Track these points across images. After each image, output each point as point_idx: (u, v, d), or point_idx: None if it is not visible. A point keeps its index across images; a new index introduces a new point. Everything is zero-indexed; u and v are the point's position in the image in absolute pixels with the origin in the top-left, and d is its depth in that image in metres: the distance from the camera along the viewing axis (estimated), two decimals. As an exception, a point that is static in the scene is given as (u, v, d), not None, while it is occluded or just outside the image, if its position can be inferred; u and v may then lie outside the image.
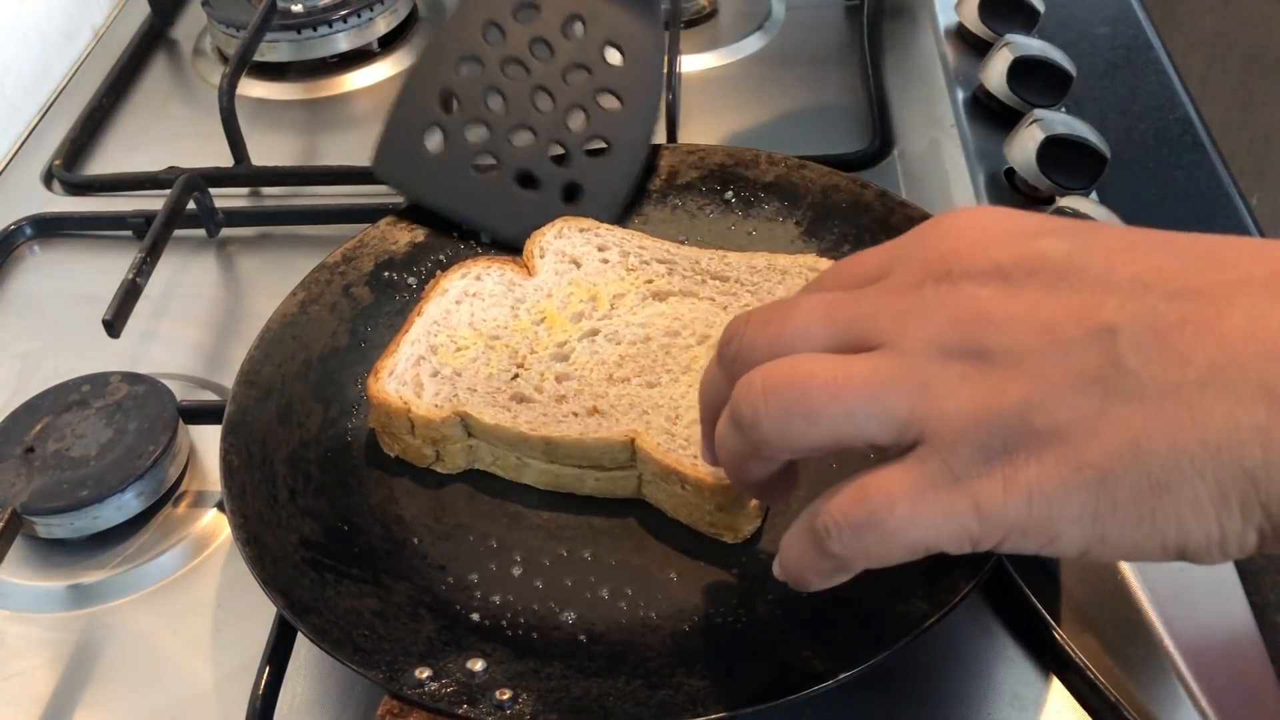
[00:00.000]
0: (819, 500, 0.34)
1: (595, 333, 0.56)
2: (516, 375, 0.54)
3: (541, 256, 0.60)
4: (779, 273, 0.57)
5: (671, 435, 0.50)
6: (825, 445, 0.34)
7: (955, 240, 0.34)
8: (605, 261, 0.60)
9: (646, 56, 0.63)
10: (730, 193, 0.64)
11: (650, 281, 0.58)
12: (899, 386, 0.32)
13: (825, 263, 0.57)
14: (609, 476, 0.51)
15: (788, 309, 0.36)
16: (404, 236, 0.62)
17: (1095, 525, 0.30)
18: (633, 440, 0.50)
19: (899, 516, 0.32)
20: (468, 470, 0.54)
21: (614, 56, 0.63)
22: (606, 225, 0.61)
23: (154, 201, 0.71)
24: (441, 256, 0.62)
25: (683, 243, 0.61)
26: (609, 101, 0.63)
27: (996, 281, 0.32)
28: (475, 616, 0.47)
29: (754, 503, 0.48)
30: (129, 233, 0.73)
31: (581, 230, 0.61)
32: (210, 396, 0.61)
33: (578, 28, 0.64)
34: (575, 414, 0.52)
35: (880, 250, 0.37)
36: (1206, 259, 0.31)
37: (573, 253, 0.60)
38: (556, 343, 0.56)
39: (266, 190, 0.77)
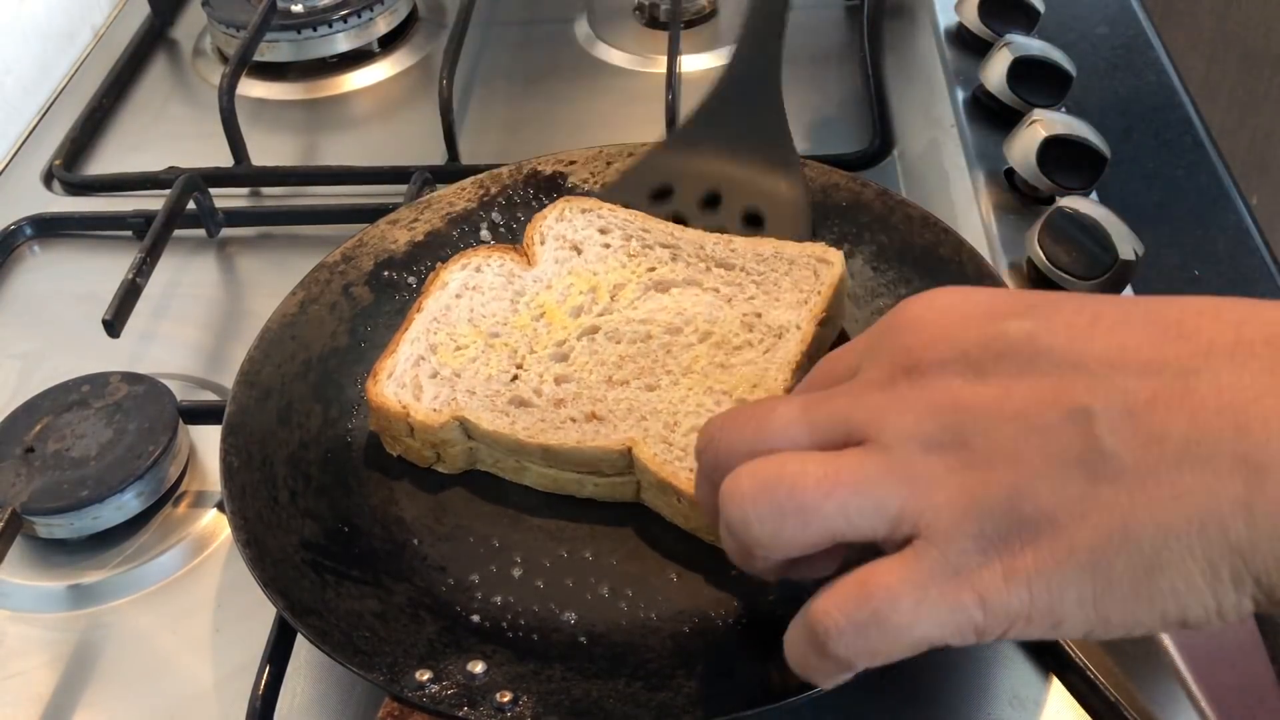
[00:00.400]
0: (815, 599, 0.33)
1: (595, 330, 0.55)
2: (516, 377, 0.54)
3: (542, 243, 0.59)
4: (786, 262, 0.56)
5: (669, 445, 0.49)
6: (819, 543, 0.34)
7: (919, 331, 0.34)
8: (607, 246, 0.59)
9: (790, 213, 0.60)
10: (730, 193, 0.64)
11: (653, 270, 0.57)
12: (888, 481, 0.32)
13: (834, 253, 0.56)
14: (608, 482, 0.51)
15: (763, 411, 0.36)
16: (403, 236, 0.62)
17: (1096, 607, 0.30)
18: (630, 449, 0.49)
19: (903, 612, 0.31)
20: (469, 471, 0.53)
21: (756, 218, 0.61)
22: (610, 205, 0.60)
23: (154, 201, 0.71)
24: (441, 255, 0.62)
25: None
26: None
27: (965, 369, 0.33)
28: (476, 618, 0.47)
29: None
30: (129, 233, 0.73)
31: (584, 211, 0.60)
32: (210, 396, 0.61)
33: (717, 201, 0.62)
34: (573, 419, 0.51)
35: (848, 350, 0.38)
36: (1169, 329, 0.31)
37: (574, 237, 0.59)
38: (556, 341, 0.55)
39: (266, 190, 0.77)
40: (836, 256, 0.56)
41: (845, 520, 0.33)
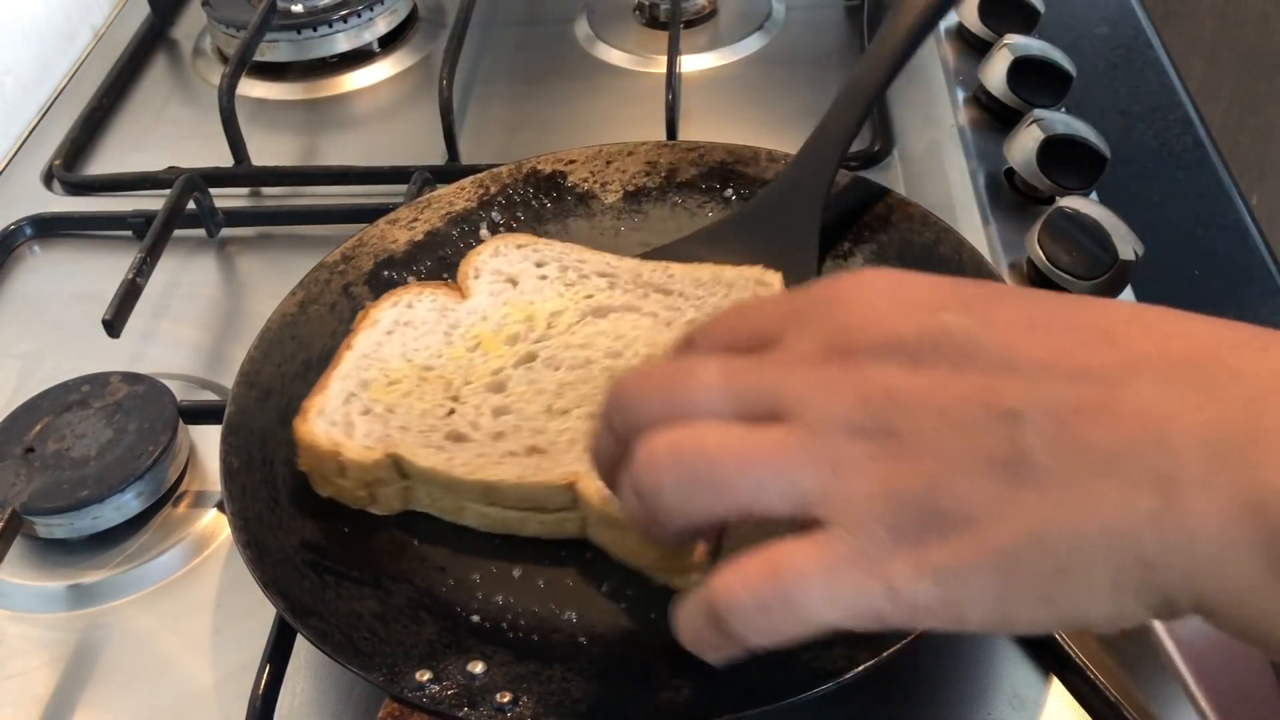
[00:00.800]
0: (717, 575, 0.33)
1: (533, 358, 0.54)
2: (452, 410, 0.52)
3: (476, 277, 0.58)
4: (725, 285, 0.56)
5: None
6: (727, 517, 0.34)
7: (856, 310, 0.34)
8: (543, 278, 0.57)
9: None
10: (730, 190, 0.64)
11: (590, 296, 0.56)
12: (808, 463, 0.32)
13: (773, 275, 0.56)
14: (553, 519, 0.49)
15: (682, 373, 0.35)
16: (403, 235, 0.62)
17: (1000, 606, 0.30)
18: (573, 484, 0.47)
19: (811, 595, 0.31)
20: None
21: None
22: (545, 240, 0.60)
23: (154, 201, 0.71)
24: (441, 255, 0.62)
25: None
26: None
27: (901, 358, 0.32)
28: (476, 618, 0.47)
29: (699, 552, 0.45)
30: (129, 233, 0.73)
31: (519, 246, 0.59)
32: (210, 396, 0.61)
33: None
34: (513, 453, 0.49)
35: (769, 310, 0.37)
36: (1102, 338, 0.31)
37: (509, 271, 0.58)
38: (492, 370, 0.53)
39: (266, 190, 0.77)
40: (775, 278, 0.56)
41: (758, 498, 0.32)
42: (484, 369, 0.53)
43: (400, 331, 0.56)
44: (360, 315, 0.57)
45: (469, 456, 0.49)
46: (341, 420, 0.51)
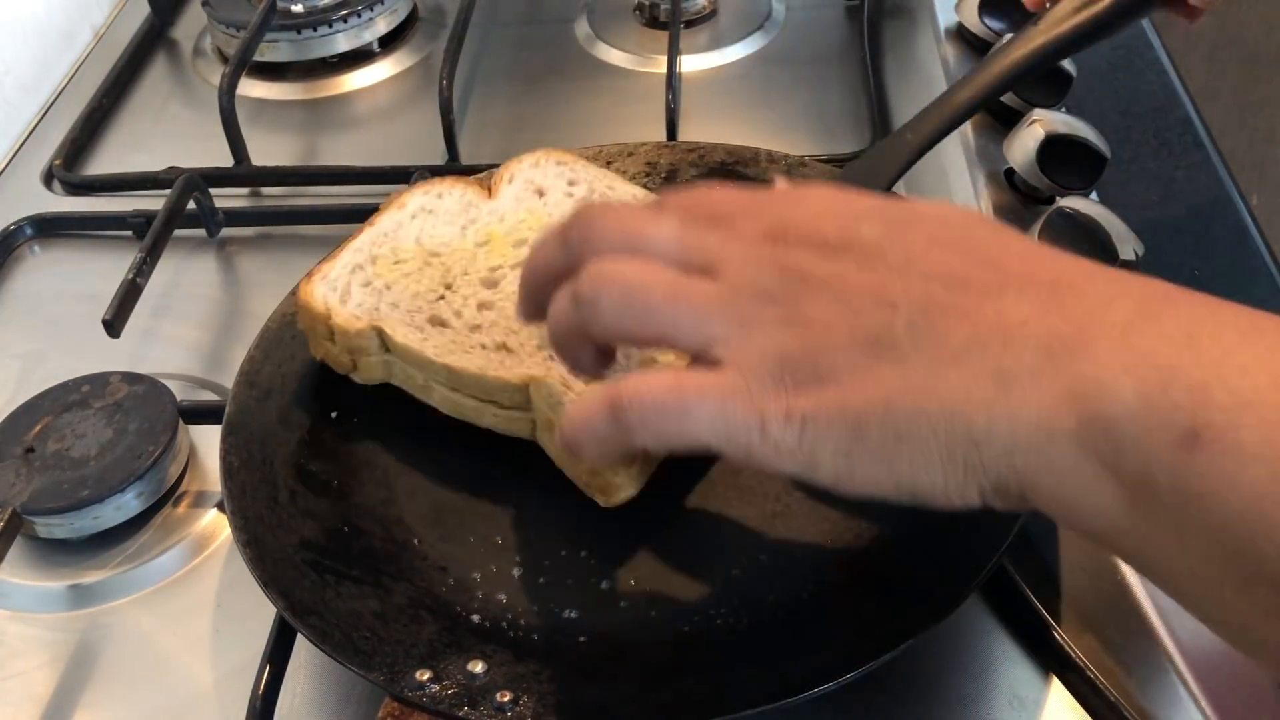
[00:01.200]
0: (625, 379, 0.39)
1: None
2: (442, 297, 0.54)
3: (510, 182, 0.60)
4: None
5: (567, 388, 0.49)
6: (645, 339, 0.40)
7: (797, 210, 0.40)
8: (570, 195, 0.60)
9: None
10: (730, 192, 0.64)
11: None
12: (724, 312, 0.38)
13: None
14: (506, 414, 0.51)
15: (647, 218, 0.41)
16: (404, 236, 0.62)
17: (847, 460, 0.36)
18: (528, 385, 0.50)
19: (703, 410, 0.37)
20: (464, 460, 0.52)
21: None
22: (585, 163, 0.62)
23: (154, 201, 0.71)
24: (441, 256, 0.62)
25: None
26: None
27: (819, 249, 0.38)
28: (476, 618, 0.47)
29: (626, 472, 0.48)
30: (129, 233, 0.73)
31: (559, 163, 0.61)
32: (210, 396, 0.61)
33: None
34: (484, 346, 0.52)
35: (734, 197, 0.42)
36: (985, 261, 0.37)
37: (541, 182, 0.60)
38: (491, 266, 0.56)
39: (266, 190, 0.77)
40: None
41: (675, 328, 0.39)
42: (483, 264, 0.56)
43: (422, 217, 0.58)
44: (393, 195, 0.60)
45: (443, 341, 0.52)
46: (341, 287, 0.54)
